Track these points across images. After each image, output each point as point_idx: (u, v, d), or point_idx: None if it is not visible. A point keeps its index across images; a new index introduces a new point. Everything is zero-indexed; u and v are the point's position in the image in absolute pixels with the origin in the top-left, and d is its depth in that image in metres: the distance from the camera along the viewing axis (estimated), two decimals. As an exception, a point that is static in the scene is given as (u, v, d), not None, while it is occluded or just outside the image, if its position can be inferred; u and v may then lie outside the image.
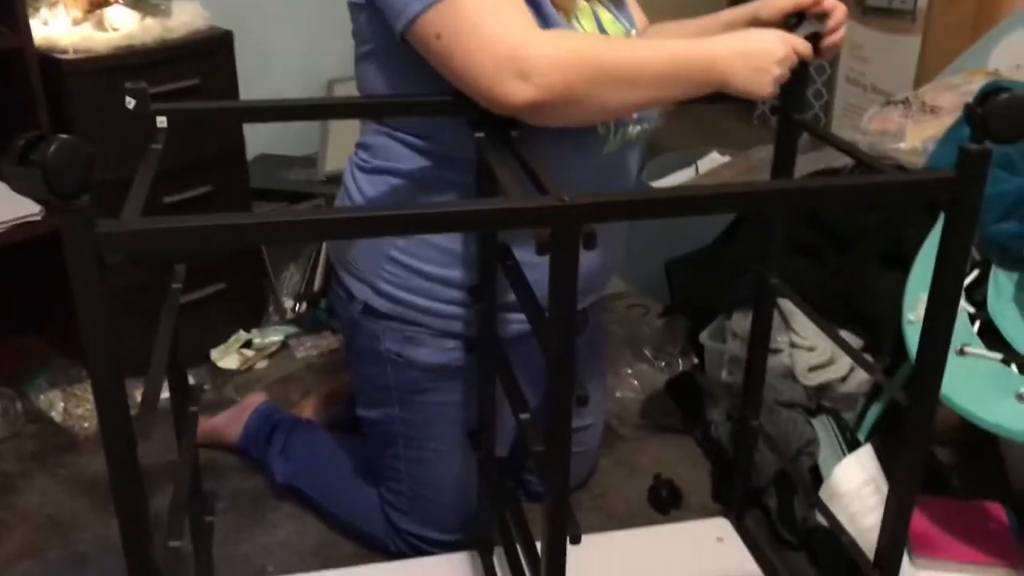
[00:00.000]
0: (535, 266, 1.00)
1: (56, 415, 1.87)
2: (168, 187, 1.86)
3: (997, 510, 1.43)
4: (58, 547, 1.56)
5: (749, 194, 0.95)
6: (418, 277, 1.34)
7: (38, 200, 0.71)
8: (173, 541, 0.88)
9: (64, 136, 0.69)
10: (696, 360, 1.98)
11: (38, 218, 1.72)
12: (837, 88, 3.04)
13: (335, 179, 2.31)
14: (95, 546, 1.56)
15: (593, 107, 1.12)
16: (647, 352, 2.03)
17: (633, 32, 1.34)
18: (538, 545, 1.01)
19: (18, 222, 1.71)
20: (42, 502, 1.67)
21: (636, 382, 1.95)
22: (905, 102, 1.98)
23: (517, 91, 1.06)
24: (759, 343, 1.38)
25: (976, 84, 1.89)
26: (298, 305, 2.20)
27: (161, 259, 1.09)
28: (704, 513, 1.64)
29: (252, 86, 2.18)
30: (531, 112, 1.09)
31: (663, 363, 1.99)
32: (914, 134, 1.88)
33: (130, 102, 0.96)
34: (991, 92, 0.92)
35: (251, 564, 1.53)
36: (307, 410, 1.83)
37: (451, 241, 1.31)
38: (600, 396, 1.70)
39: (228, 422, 1.76)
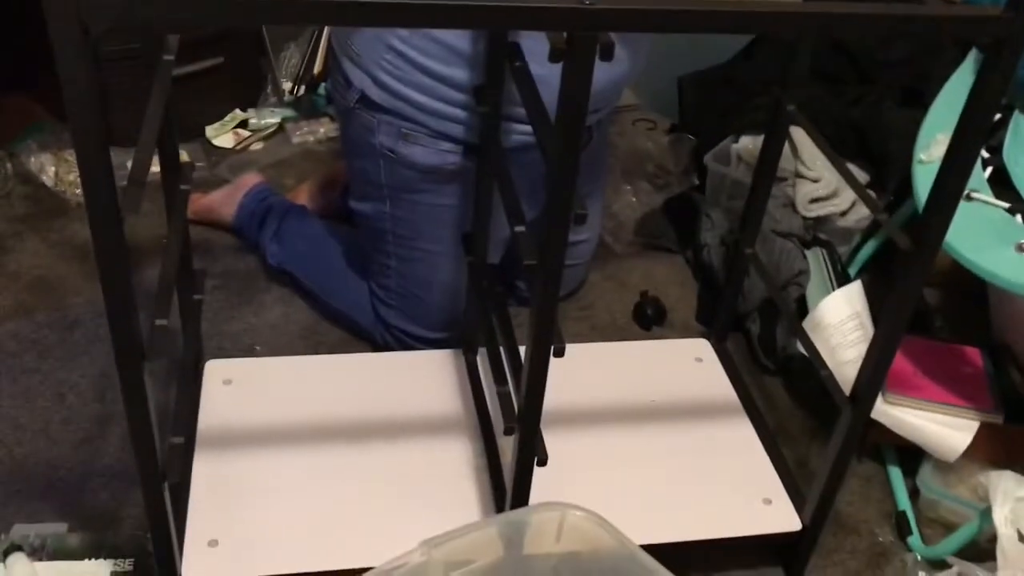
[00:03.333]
0: (544, 80, 0.95)
1: (47, 179, 1.85)
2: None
3: (975, 355, 1.45)
4: (48, 309, 1.58)
5: (786, 15, 0.88)
6: (419, 72, 1.28)
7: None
8: (160, 319, 0.88)
9: None
10: (697, 182, 1.95)
11: (27, -30, 1.63)
12: (881, -97, 2.84)
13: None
14: (86, 311, 1.57)
15: None
16: (648, 169, 2.00)
17: None
18: (521, 350, 1.02)
19: (6, -27, 1.63)
20: (33, 264, 1.68)
21: (634, 199, 1.93)
22: (953, -74, 1.85)
23: None
24: (766, 170, 1.35)
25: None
26: (296, 88, 2.14)
27: (152, 29, 1.03)
28: (686, 333, 1.67)
29: None
30: None
31: (663, 182, 1.97)
32: (957, -38, 1.77)
33: None
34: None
35: (239, 342, 1.56)
36: (301, 196, 1.81)
37: (457, 39, 1.25)
38: (596, 211, 1.68)
39: (223, 201, 1.74)
